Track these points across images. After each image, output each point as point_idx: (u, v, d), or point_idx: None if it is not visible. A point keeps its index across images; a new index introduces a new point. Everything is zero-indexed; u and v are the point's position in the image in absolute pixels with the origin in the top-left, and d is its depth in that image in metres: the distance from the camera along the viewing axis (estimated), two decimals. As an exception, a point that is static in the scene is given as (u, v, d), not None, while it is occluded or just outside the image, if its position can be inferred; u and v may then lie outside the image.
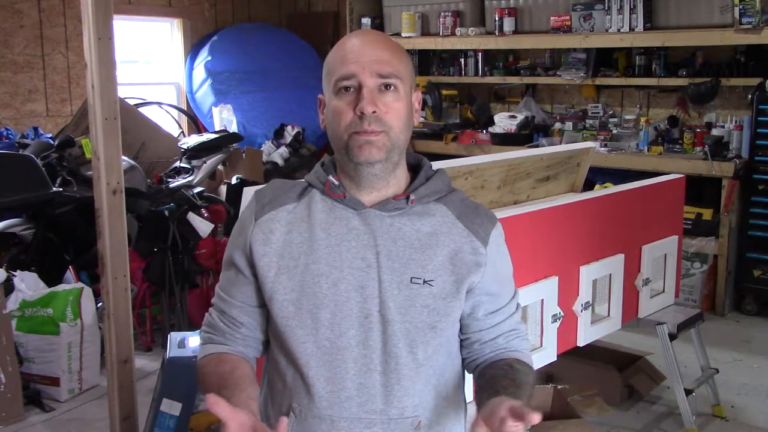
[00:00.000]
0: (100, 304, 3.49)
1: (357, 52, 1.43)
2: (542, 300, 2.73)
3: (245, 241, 1.48)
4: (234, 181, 5.64)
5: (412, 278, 1.43)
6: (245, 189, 2.33)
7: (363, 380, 1.42)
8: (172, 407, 2.90)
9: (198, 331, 3.08)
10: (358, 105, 1.40)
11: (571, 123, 5.93)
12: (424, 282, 1.43)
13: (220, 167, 5.84)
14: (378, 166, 1.43)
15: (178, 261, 4.38)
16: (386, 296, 1.42)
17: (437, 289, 1.44)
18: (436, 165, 1.61)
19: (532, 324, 2.74)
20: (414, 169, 1.54)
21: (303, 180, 1.54)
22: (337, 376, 1.42)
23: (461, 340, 1.54)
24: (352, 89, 1.41)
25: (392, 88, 1.42)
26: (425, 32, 6.51)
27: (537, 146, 5.53)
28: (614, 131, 5.68)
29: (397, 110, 1.43)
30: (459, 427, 1.53)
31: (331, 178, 1.48)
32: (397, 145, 1.44)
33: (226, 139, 5.59)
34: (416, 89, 1.52)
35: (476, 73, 6.45)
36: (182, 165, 5.31)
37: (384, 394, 1.43)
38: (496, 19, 5.98)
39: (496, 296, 1.51)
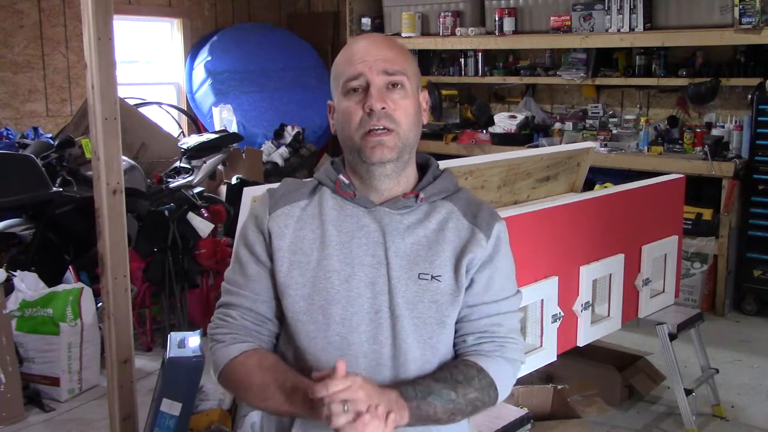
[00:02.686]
0: (100, 304, 3.49)
1: (363, 53, 1.45)
2: (542, 300, 2.73)
3: (264, 233, 1.49)
4: (234, 181, 5.64)
5: (420, 274, 1.45)
6: (245, 189, 2.33)
7: (373, 375, 1.43)
8: (172, 407, 2.90)
9: (198, 331, 3.09)
10: (366, 102, 1.42)
11: (571, 123, 5.93)
12: (432, 278, 1.45)
13: (220, 167, 5.84)
14: (390, 166, 1.46)
15: (178, 261, 4.38)
16: (395, 292, 1.44)
17: (444, 284, 1.45)
18: (442, 165, 1.62)
19: (532, 324, 2.74)
20: (421, 169, 1.57)
21: (313, 178, 1.56)
22: (347, 371, 1.42)
23: None
24: (360, 89, 1.44)
25: (399, 85, 1.45)
26: (425, 32, 6.51)
27: (537, 146, 5.53)
28: (614, 131, 5.68)
29: (405, 107, 1.45)
30: (465, 421, 1.53)
31: (341, 176, 1.50)
32: (407, 144, 1.46)
33: (226, 139, 5.59)
34: (423, 89, 1.54)
35: (476, 73, 6.45)
36: (182, 165, 5.31)
37: None
38: (496, 19, 5.98)
39: (482, 290, 1.50)
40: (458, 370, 1.45)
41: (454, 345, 1.52)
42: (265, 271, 1.49)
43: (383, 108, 1.42)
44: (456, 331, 1.51)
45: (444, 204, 1.51)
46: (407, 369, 1.44)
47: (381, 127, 1.42)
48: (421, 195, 1.49)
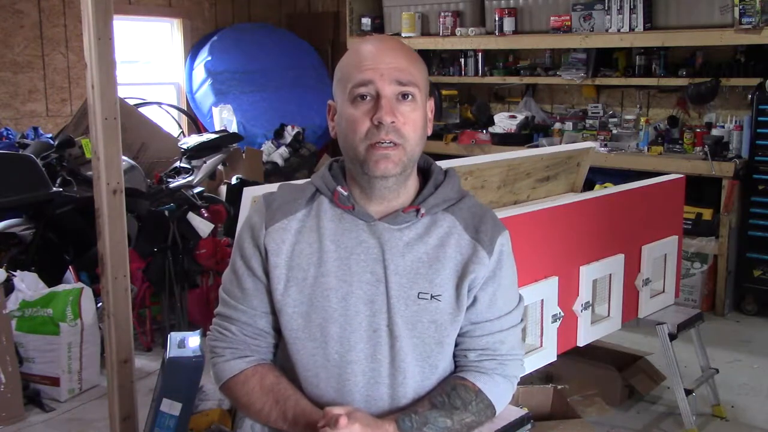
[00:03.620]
0: (100, 304, 3.49)
1: (373, 59, 1.38)
2: (542, 300, 2.72)
3: (260, 249, 1.46)
4: (234, 181, 5.64)
5: (419, 294, 1.41)
6: (245, 189, 2.33)
7: (371, 392, 1.42)
8: (172, 407, 2.90)
9: (198, 331, 3.09)
10: (375, 114, 1.36)
11: (571, 123, 5.93)
12: (432, 297, 1.42)
13: (220, 167, 5.83)
14: (392, 180, 1.41)
15: (178, 261, 4.38)
16: (394, 312, 1.41)
17: (444, 304, 1.43)
18: (445, 165, 1.57)
19: (532, 324, 2.74)
20: (423, 172, 1.52)
21: (311, 183, 1.51)
22: (345, 388, 1.42)
23: None
24: (368, 97, 1.38)
25: (410, 97, 1.39)
26: (425, 32, 6.51)
27: (537, 146, 5.53)
28: (614, 131, 5.68)
29: (415, 121, 1.40)
30: None
31: (339, 188, 1.45)
32: (412, 158, 1.42)
33: (226, 139, 5.59)
34: (430, 98, 1.48)
35: (476, 73, 6.45)
36: (182, 165, 5.31)
37: (391, 406, 1.43)
38: (496, 19, 5.98)
39: (485, 308, 1.48)
40: (456, 393, 1.44)
41: (455, 356, 1.51)
42: (262, 286, 1.47)
43: (393, 122, 1.36)
44: (457, 344, 1.49)
45: (445, 216, 1.46)
46: (405, 387, 1.43)
47: (388, 141, 1.37)
48: (422, 210, 1.44)
